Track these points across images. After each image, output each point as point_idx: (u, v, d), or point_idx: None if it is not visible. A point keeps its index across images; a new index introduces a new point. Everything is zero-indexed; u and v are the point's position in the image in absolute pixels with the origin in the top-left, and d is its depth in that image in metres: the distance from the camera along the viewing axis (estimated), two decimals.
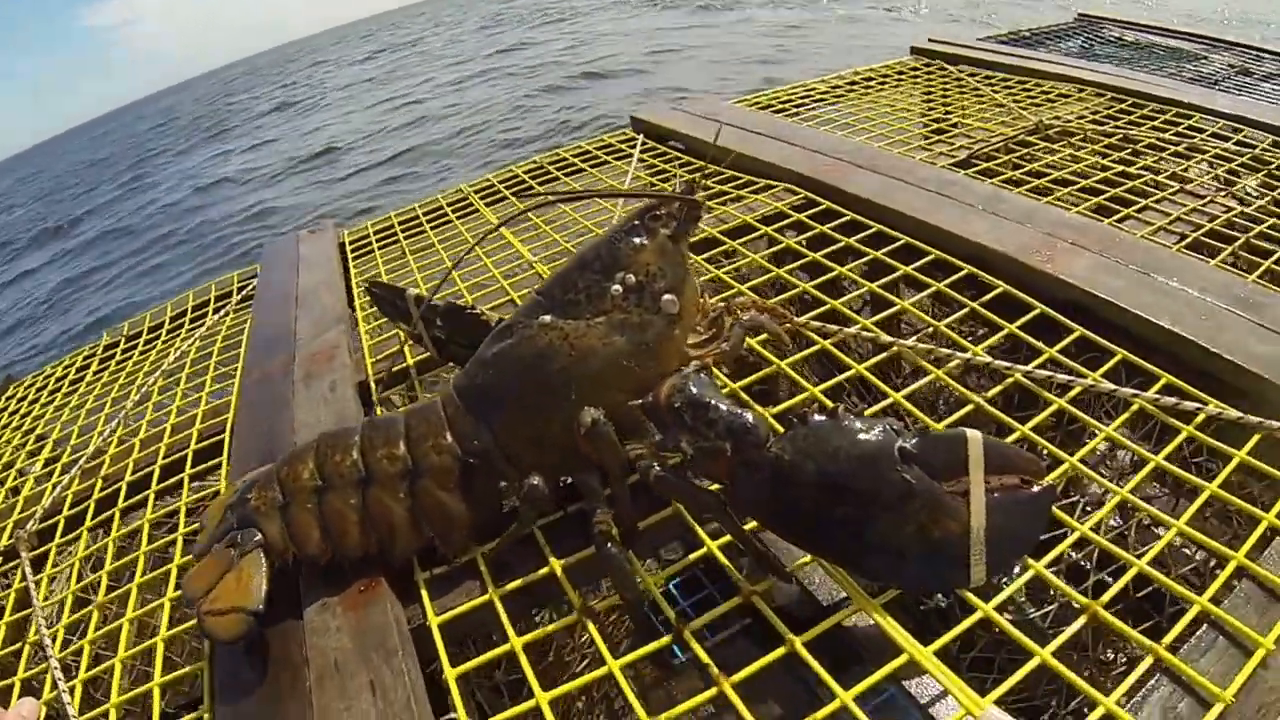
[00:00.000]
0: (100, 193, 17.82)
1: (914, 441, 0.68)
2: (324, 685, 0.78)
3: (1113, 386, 0.95)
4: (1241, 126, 1.77)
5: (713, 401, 0.74)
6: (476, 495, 0.86)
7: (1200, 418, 0.89)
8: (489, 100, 14.08)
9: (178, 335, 1.81)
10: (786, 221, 1.49)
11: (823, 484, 0.68)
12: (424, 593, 0.86)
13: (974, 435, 0.69)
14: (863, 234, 1.37)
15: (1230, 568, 0.75)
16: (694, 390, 0.75)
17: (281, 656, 0.83)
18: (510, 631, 0.79)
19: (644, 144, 2.05)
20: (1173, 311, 1.05)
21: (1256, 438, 0.86)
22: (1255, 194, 1.51)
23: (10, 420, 1.72)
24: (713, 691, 0.68)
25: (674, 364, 0.87)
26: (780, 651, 0.71)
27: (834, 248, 1.35)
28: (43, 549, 1.19)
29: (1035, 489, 0.70)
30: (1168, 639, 0.69)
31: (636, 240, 0.88)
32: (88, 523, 1.21)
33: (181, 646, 1.12)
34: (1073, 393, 0.95)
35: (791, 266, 1.35)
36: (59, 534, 1.21)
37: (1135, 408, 0.93)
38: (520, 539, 0.86)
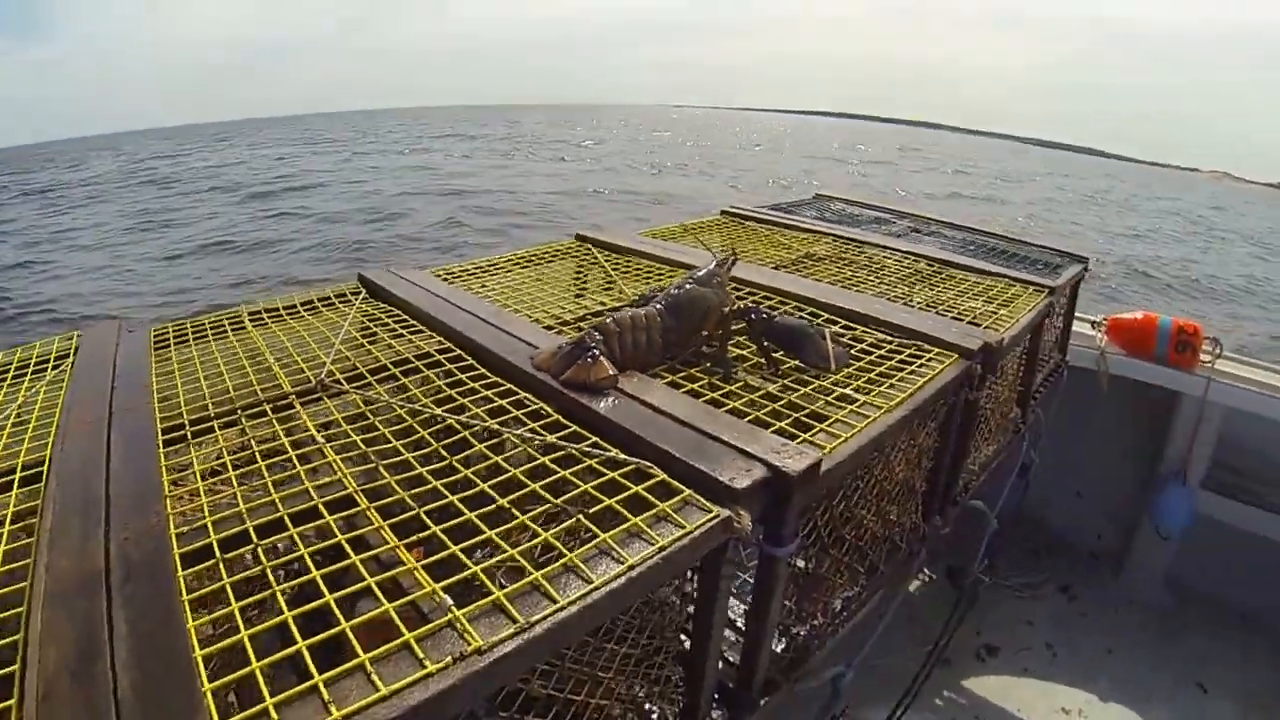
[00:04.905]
0: None
1: (813, 324, 2.15)
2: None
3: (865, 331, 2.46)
4: (912, 256, 3.49)
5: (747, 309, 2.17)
6: (666, 345, 1.98)
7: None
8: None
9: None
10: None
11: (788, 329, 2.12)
12: None
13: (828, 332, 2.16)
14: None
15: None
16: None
17: None
18: None
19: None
20: (888, 312, 2.59)
21: None
22: (917, 287, 3.17)
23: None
24: None
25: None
26: None
27: None
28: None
29: (841, 348, 2.17)
30: None
31: (720, 270, 2.29)
32: None
33: None
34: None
35: None
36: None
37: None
38: None
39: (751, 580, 1.72)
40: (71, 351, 2.40)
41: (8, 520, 1.49)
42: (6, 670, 1.09)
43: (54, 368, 2.31)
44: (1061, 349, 3.97)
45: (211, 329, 2.58)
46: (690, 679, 1.59)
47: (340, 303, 2.81)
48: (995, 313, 2.79)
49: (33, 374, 2.30)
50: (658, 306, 2.10)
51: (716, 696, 1.70)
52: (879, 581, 2.20)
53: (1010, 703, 3.70)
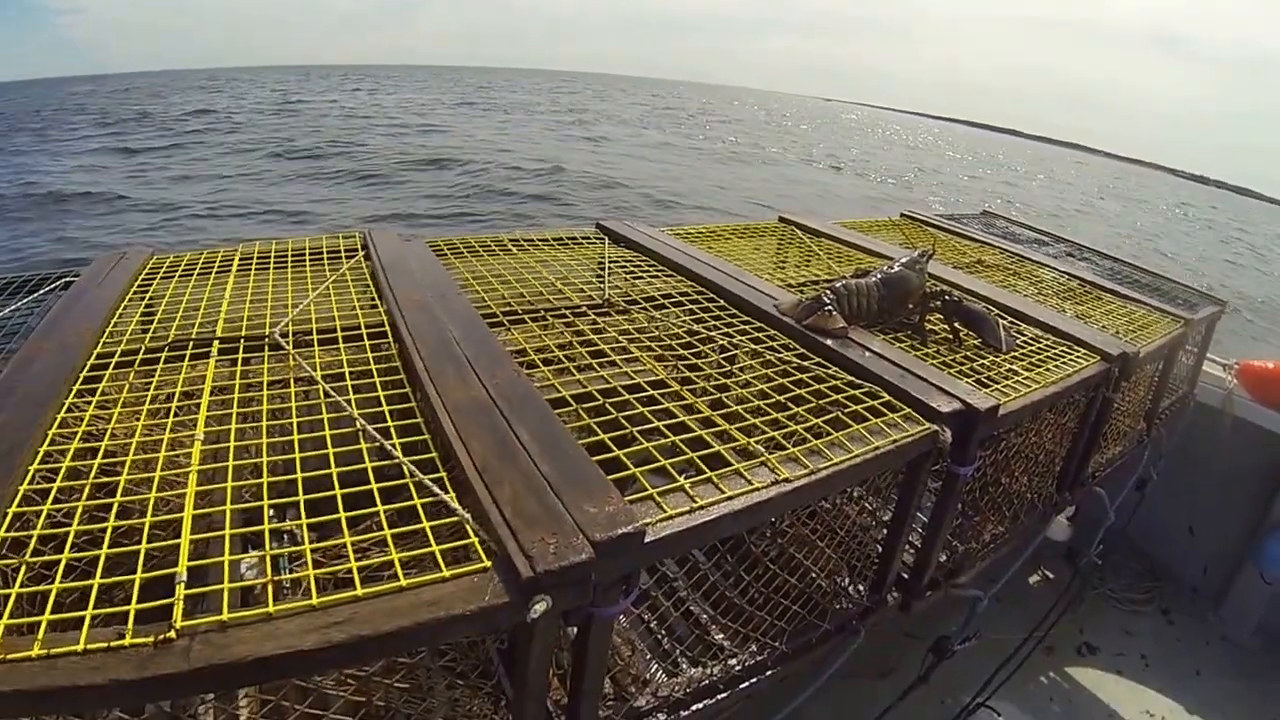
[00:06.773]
0: None
1: (990, 314, 2.76)
2: None
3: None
4: (1067, 275, 4.02)
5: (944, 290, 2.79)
6: (879, 312, 2.71)
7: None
8: None
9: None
10: None
11: (975, 314, 2.73)
12: None
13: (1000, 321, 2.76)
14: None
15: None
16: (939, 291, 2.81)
17: None
18: None
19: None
20: (1046, 315, 3.15)
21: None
22: (1068, 301, 3.71)
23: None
24: None
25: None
26: None
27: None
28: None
29: (1010, 336, 2.77)
30: None
31: (921, 260, 2.92)
32: None
33: None
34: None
35: None
36: None
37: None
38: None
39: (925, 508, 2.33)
40: (359, 247, 3.00)
41: (371, 361, 2.00)
42: (428, 456, 1.55)
43: (347, 257, 2.96)
44: (1190, 382, 4.32)
45: (480, 246, 3.31)
46: (884, 558, 2.24)
47: (585, 242, 3.52)
48: (1135, 332, 3.30)
49: (328, 259, 2.96)
50: (875, 280, 2.73)
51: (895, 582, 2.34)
52: (1019, 529, 2.77)
53: (1103, 694, 4.05)
